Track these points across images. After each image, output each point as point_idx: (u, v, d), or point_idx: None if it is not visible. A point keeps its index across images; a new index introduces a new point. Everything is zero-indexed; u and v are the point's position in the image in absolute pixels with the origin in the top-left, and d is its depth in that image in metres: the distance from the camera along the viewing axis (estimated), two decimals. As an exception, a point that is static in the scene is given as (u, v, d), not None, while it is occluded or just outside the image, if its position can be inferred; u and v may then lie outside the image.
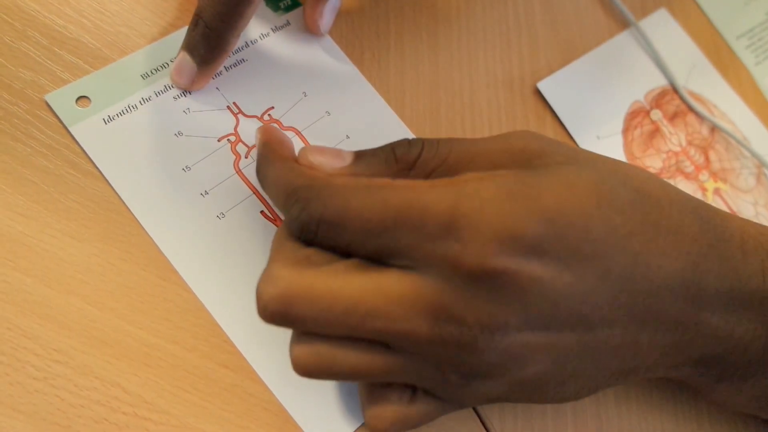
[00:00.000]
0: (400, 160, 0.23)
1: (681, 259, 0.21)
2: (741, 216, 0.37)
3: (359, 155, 0.24)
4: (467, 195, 0.19)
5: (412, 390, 0.22)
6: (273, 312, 0.20)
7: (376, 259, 0.20)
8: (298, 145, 0.30)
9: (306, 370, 0.21)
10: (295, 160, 0.24)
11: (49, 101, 0.27)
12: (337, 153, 0.24)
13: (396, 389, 0.22)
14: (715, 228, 0.22)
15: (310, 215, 0.21)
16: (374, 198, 0.20)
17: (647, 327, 0.21)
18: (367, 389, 0.23)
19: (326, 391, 0.26)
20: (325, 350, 0.21)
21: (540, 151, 0.22)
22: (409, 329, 0.19)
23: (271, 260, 0.22)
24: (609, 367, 0.22)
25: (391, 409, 0.22)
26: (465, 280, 0.19)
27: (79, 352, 0.24)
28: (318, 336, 0.21)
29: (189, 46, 0.27)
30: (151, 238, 0.26)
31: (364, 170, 0.23)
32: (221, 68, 0.30)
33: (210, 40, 0.27)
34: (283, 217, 0.25)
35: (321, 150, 0.24)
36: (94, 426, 0.23)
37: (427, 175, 0.23)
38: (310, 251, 0.21)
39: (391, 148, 0.24)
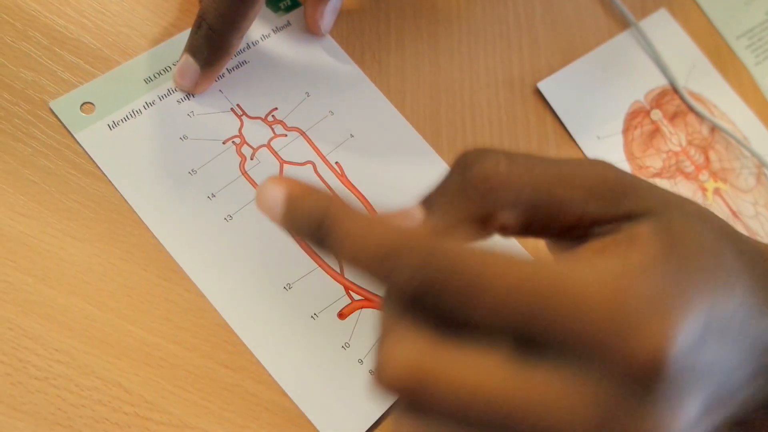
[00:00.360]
0: (476, 184, 0.19)
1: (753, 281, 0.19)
2: (742, 216, 0.37)
3: (426, 201, 0.20)
4: (618, 277, 0.16)
5: None
6: (399, 386, 0.16)
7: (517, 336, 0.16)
8: (302, 145, 0.30)
9: (393, 383, 0.16)
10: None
11: (53, 108, 0.27)
12: (403, 214, 0.19)
13: None
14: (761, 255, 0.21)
15: (435, 268, 0.16)
16: (513, 263, 0.16)
17: (757, 381, 0.19)
18: None
19: (340, 390, 0.26)
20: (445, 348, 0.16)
21: (626, 185, 0.19)
22: None
23: (390, 317, 0.17)
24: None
25: None
26: (643, 384, 0.15)
27: (80, 351, 0.24)
28: (437, 422, 0.17)
29: (192, 48, 0.28)
30: (152, 237, 0.26)
31: (442, 218, 0.19)
32: (224, 70, 0.30)
33: (213, 42, 0.27)
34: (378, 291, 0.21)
35: (386, 216, 0.19)
36: (95, 426, 0.23)
37: (517, 198, 0.19)
38: (437, 322, 0.17)
39: (462, 168, 0.19)
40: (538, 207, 0.19)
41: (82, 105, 0.27)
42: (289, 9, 0.33)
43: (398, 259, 0.17)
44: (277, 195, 0.19)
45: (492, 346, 0.16)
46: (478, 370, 0.16)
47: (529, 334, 0.16)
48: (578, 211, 0.19)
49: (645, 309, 0.15)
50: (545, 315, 0.16)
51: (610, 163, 0.20)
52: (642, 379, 0.15)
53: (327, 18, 0.31)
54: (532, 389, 0.16)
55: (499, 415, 0.16)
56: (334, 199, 0.19)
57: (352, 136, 0.31)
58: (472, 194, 0.19)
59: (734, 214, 0.37)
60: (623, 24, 0.39)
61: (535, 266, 0.16)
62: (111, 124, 0.28)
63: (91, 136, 0.27)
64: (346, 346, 0.27)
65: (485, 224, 0.19)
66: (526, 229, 0.19)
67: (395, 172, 0.31)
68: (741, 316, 0.17)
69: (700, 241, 0.17)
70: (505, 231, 0.20)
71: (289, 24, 0.32)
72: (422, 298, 0.17)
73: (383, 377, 0.16)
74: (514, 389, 0.16)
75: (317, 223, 0.18)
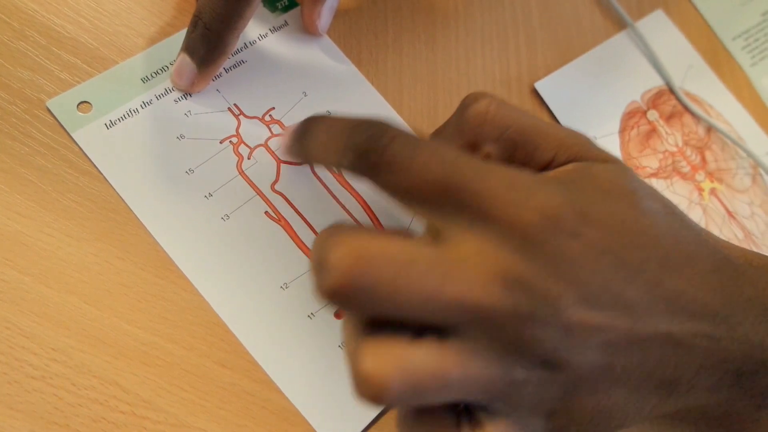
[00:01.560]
0: (469, 118, 0.23)
1: (705, 266, 0.21)
2: (738, 216, 0.37)
3: (435, 133, 0.24)
4: (528, 174, 0.20)
5: (472, 420, 0.21)
6: (347, 272, 0.18)
7: (436, 213, 0.20)
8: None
9: (383, 382, 0.18)
10: None
11: (50, 107, 0.27)
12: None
13: (461, 424, 0.20)
14: (722, 246, 0.23)
15: (378, 135, 0.20)
16: (440, 148, 0.20)
17: (685, 326, 0.21)
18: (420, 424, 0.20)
19: (336, 389, 0.26)
20: (402, 351, 0.18)
21: (591, 145, 0.23)
22: (485, 295, 0.18)
23: (332, 231, 0.20)
24: (653, 375, 0.21)
25: None
26: (530, 244, 0.19)
27: (77, 350, 0.24)
28: (387, 332, 0.19)
29: (189, 47, 0.28)
30: (149, 236, 0.26)
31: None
32: (221, 70, 0.30)
33: (210, 41, 0.27)
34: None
35: None
36: (91, 425, 0.23)
37: (501, 134, 0.23)
38: (372, 228, 0.21)
39: (460, 111, 0.23)
40: (517, 146, 0.23)
41: (79, 104, 0.27)
42: (286, 9, 0.33)
43: (352, 132, 0.20)
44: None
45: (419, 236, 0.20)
46: (410, 245, 0.19)
47: (444, 199, 0.19)
48: (548, 157, 0.23)
49: (538, 188, 0.19)
50: (457, 178, 0.19)
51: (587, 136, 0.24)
52: (521, 232, 0.19)
53: (324, 18, 0.31)
54: (453, 255, 0.19)
55: (432, 284, 0.18)
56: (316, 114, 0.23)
57: (349, 135, 0.31)
58: (466, 128, 0.23)
59: (730, 214, 0.37)
60: (620, 25, 0.40)
61: (460, 153, 0.20)
62: (108, 123, 0.28)
63: (88, 135, 0.27)
64: (342, 345, 0.27)
65: (473, 152, 0.23)
66: (507, 162, 0.23)
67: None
68: (639, 236, 0.20)
69: (617, 179, 0.21)
70: (488, 160, 0.23)
71: (286, 24, 0.32)
72: (365, 158, 0.20)
73: (326, 271, 0.18)
74: (440, 256, 0.19)
75: (301, 132, 0.24)
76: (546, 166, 0.23)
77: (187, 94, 0.29)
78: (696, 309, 0.21)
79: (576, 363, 0.20)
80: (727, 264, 0.22)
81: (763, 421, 0.24)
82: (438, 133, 0.24)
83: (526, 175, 0.20)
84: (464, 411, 0.21)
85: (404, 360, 0.18)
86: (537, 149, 0.23)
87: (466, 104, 0.23)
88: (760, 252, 0.25)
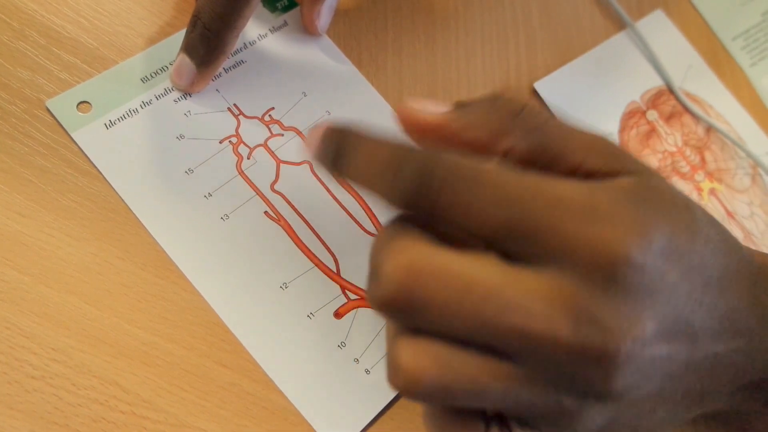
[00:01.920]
0: (503, 108, 0.21)
1: (746, 279, 0.21)
2: (737, 216, 0.37)
3: (459, 104, 0.22)
4: (601, 191, 0.19)
5: (502, 429, 0.20)
6: (399, 284, 0.17)
7: (502, 246, 0.18)
8: (299, 145, 0.30)
9: (416, 374, 0.18)
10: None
11: (50, 107, 0.27)
12: (435, 102, 0.22)
13: (491, 428, 0.20)
14: (749, 254, 0.23)
15: (433, 175, 0.18)
16: (507, 171, 0.18)
17: (730, 345, 0.21)
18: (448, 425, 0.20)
19: (336, 389, 0.26)
20: (445, 353, 0.18)
21: (620, 150, 0.22)
22: (548, 329, 0.17)
23: (392, 233, 0.19)
24: (692, 389, 0.21)
25: None
26: (604, 276, 0.17)
27: (77, 350, 0.24)
28: (434, 335, 0.18)
29: (188, 47, 0.28)
30: (149, 236, 0.26)
31: (465, 117, 0.21)
32: (221, 70, 0.30)
33: (209, 41, 0.27)
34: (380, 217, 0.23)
35: (420, 99, 0.22)
36: (91, 425, 0.23)
37: (526, 134, 0.21)
38: (431, 239, 0.19)
39: (495, 96, 0.21)
40: (544, 148, 0.21)
41: (78, 104, 0.27)
42: (286, 9, 0.33)
43: (399, 169, 0.19)
44: (315, 135, 0.22)
45: (481, 252, 0.18)
46: (471, 268, 0.17)
47: (519, 230, 0.18)
48: (577, 161, 0.21)
49: (614, 216, 0.18)
50: (527, 217, 0.18)
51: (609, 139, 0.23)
52: (605, 270, 0.17)
53: (323, 18, 0.31)
54: (519, 286, 0.17)
55: (496, 305, 0.17)
56: (345, 128, 0.21)
57: (349, 135, 0.31)
58: (497, 116, 0.21)
59: (729, 214, 0.37)
60: (619, 25, 0.40)
61: (523, 175, 0.18)
62: (108, 123, 0.28)
63: (88, 135, 0.27)
64: (342, 345, 0.27)
65: (494, 143, 0.21)
66: (529, 164, 0.21)
67: (392, 172, 0.31)
68: (703, 255, 0.19)
69: (674, 194, 0.20)
70: (508, 156, 0.22)
71: (286, 24, 0.32)
72: (419, 202, 0.18)
73: (377, 280, 0.18)
74: (504, 285, 0.17)
75: (335, 150, 0.21)
76: (572, 171, 0.22)
77: (186, 94, 0.29)
78: (739, 326, 0.21)
79: (632, 395, 0.19)
80: (760, 275, 0.22)
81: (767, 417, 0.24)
82: (466, 104, 0.22)
83: (600, 196, 0.18)
84: (497, 417, 0.20)
85: (445, 360, 0.18)
86: (564, 152, 0.21)
87: (499, 95, 0.22)
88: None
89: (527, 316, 0.17)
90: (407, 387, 0.18)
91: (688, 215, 0.20)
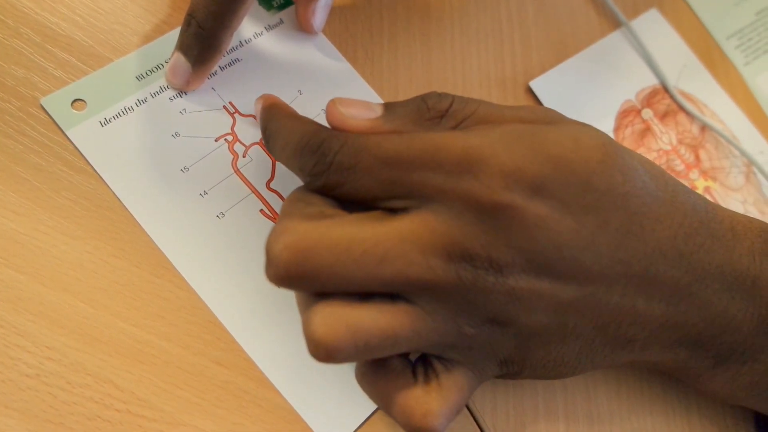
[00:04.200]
0: (431, 108, 0.23)
1: (674, 228, 0.22)
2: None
3: (389, 106, 0.23)
4: (477, 136, 0.20)
5: (427, 369, 0.22)
6: (287, 262, 0.19)
7: (388, 205, 0.20)
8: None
9: (333, 342, 0.19)
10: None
11: (44, 105, 0.27)
12: (366, 105, 0.23)
13: (417, 372, 0.22)
14: (706, 209, 0.23)
15: (324, 154, 0.21)
16: (389, 139, 0.20)
17: (643, 291, 0.21)
18: (392, 384, 0.21)
19: (331, 384, 0.26)
20: (349, 312, 0.19)
21: (559, 119, 0.23)
22: (426, 270, 0.19)
23: (282, 217, 0.21)
24: (607, 332, 0.22)
25: (434, 397, 0.21)
26: (475, 215, 0.19)
27: (71, 349, 0.24)
28: (336, 297, 0.20)
29: (183, 46, 0.27)
30: (144, 235, 0.26)
31: (395, 120, 0.23)
32: (216, 68, 0.30)
33: (203, 40, 0.27)
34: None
35: (350, 102, 0.23)
36: (86, 423, 0.23)
37: (454, 127, 0.23)
38: (323, 206, 0.21)
39: (422, 98, 0.23)
40: None
41: (73, 102, 0.27)
42: (282, 7, 0.33)
43: (308, 143, 0.21)
44: (257, 107, 0.26)
45: (366, 212, 0.20)
46: (350, 229, 0.19)
47: (398, 187, 0.20)
48: None
49: (483, 159, 0.19)
50: (403, 173, 0.20)
51: (553, 109, 0.24)
52: (474, 209, 0.19)
53: (319, 16, 0.31)
54: (397, 231, 0.19)
55: (376, 257, 0.19)
56: (274, 104, 0.24)
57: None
58: (426, 116, 0.23)
59: (724, 212, 0.37)
60: (614, 23, 0.40)
61: (403, 136, 0.21)
62: (103, 121, 0.28)
63: (83, 133, 0.27)
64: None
65: None
66: None
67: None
68: (602, 197, 0.20)
69: (577, 135, 0.21)
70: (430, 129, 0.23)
71: (281, 22, 0.32)
72: (318, 179, 0.21)
73: (270, 262, 0.19)
74: (381, 236, 0.19)
75: (263, 128, 0.24)
76: None
77: (182, 92, 0.29)
78: (656, 275, 0.21)
79: (524, 321, 0.21)
80: (703, 229, 0.22)
81: (719, 377, 0.25)
82: (395, 107, 0.23)
83: (473, 141, 0.20)
84: (420, 359, 0.22)
85: (353, 320, 0.19)
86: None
87: (426, 97, 0.23)
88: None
89: (406, 262, 0.19)
90: (328, 356, 0.19)
91: (596, 155, 0.20)
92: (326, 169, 0.21)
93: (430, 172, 0.20)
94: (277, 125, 0.23)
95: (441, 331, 0.20)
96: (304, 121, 0.23)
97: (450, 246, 0.19)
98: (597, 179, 0.20)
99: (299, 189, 0.22)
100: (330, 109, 0.23)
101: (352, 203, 0.21)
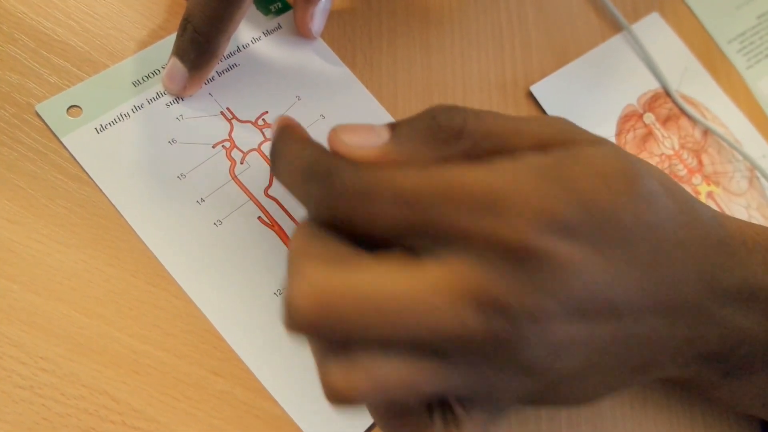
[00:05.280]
0: (444, 128, 0.21)
1: (694, 250, 0.21)
2: (734, 219, 0.37)
3: (395, 128, 0.21)
4: (501, 171, 0.19)
5: (445, 411, 0.21)
6: (308, 316, 0.18)
7: (407, 243, 0.19)
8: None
9: (352, 394, 0.18)
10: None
11: (39, 111, 0.27)
12: (370, 129, 0.21)
13: (434, 414, 0.20)
14: (720, 225, 0.23)
15: (333, 186, 0.19)
16: (406, 174, 0.19)
17: (667, 318, 0.21)
18: (408, 427, 0.21)
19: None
20: (371, 365, 0.18)
21: (573, 132, 0.22)
22: (458, 325, 0.18)
23: (296, 260, 0.19)
24: (629, 361, 0.21)
25: None
26: (503, 260, 0.18)
27: (66, 359, 0.24)
28: (357, 348, 0.18)
29: (179, 51, 0.27)
30: (140, 243, 0.26)
31: (405, 144, 0.21)
32: (213, 73, 0.30)
33: (199, 45, 0.27)
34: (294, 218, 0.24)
35: (353, 128, 0.21)
36: (81, 435, 0.23)
37: (475, 145, 0.21)
38: (339, 245, 0.19)
39: (431, 115, 0.21)
40: (500, 149, 0.21)
41: (68, 108, 0.27)
42: (279, 12, 0.32)
43: (314, 171, 0.20)
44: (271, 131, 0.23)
45: (386, 253, 0.19)
46: (376, 279, 0.18)
47: (419, 227, 0.18)
48: (534, 148, 0.21)
49: (509, 198, 0.18)
50: (423, 213, 0.18)
51: (569, 120, 0.22)
52: (503, 256, 0.18)
53: (317, 20, 0.31)
54: (423, 285, 0.18)
55: (402, 321, 0.18)
56: (286, 126, 0.22)
57: (343, 139, 0.30)
58: (440, 138, 0.21)
59: (727, 217, 0.37)
60: (616, 27, 0.39)
61: (421, 171, 0.19)
62: (98, 127, 0.27)
63: (78, 139, 0.27)
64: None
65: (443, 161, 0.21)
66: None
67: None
68: (627, 230, 0.19)
69: (605, 164, 0.20)
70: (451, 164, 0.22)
71: (279, 27, 0.32)
72: (325, 211, 0.19)
73: (291, 315, 0.18)
74: (410, 289, 0.18)
75: (271, 152, 0.22)
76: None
77: (178, 98, 0.29)
78: (680, 300, 0.21)
79: (557, 368, 0.20)
80: (720, 247, 0.22)
81: (727, 386, 0.25)
82: (401, 129, 0.21)
83: (499, 178, 0.19)
84: (437, 402, 0.21)
85: (375, 374, 0.18)
86: (521, 144, 0.21)
87: (435, 114, 0.21)
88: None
89: (436, 317, 0.18)
90: (345, 404, 0.18)
91: (622, 183, 0.19)
92: (335, 201, 0.19)
93: (452, 211, 0.18)
94: (285, 146, 0.22)
95: (467, 384, 0.19)
96: (314, 146, 0.21)
97: (482, 296, 0.18)
98: (624, 213, 0.19)
99: (309, 223, 0.21)
100: (332, 139, 0.21)
101: (364, 236, 0.20)
